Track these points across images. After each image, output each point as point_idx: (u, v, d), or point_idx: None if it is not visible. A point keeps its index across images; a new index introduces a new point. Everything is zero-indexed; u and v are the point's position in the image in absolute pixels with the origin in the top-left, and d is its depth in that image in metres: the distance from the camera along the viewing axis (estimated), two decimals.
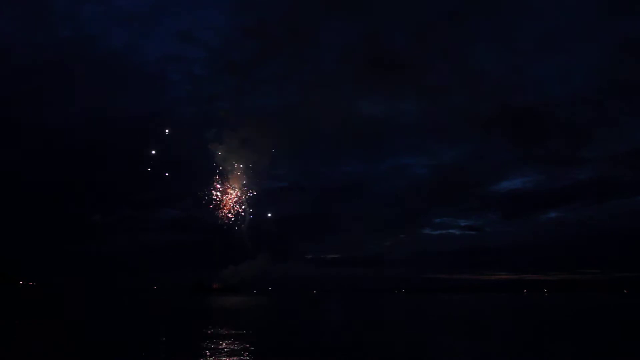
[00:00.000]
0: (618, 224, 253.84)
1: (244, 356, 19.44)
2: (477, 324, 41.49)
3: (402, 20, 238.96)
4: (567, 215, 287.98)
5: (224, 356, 19.26)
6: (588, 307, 76.35)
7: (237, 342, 23.80)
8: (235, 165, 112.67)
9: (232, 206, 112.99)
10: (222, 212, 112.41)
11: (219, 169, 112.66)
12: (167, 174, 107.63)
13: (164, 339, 26.88)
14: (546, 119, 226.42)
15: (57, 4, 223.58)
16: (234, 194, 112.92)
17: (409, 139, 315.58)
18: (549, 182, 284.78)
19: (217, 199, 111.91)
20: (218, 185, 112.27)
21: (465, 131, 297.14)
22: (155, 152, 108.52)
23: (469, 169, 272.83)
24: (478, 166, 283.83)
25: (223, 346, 22.10)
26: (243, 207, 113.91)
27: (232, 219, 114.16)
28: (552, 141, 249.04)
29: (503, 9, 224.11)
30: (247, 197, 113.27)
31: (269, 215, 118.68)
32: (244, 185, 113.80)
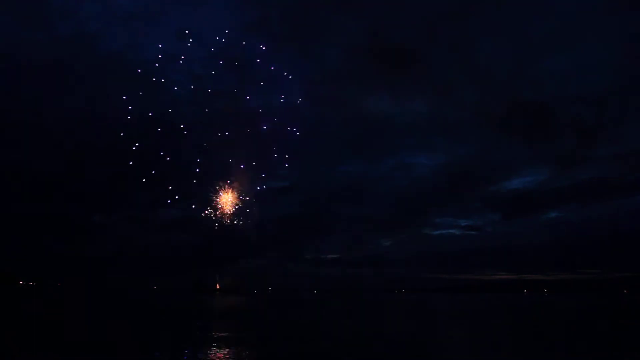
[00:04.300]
0: (618, 224, 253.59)
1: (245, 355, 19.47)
2: (477, 323, 41.50)
3: (408, 16, 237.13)
4: (567, 215, 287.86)
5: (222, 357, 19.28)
6: (588, 307, 76.35)
7: (238, 342, 23.83)
8: (239, 163, 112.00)
9: (235, 206, 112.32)
10: (223, 212, 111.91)
11: (221, 168, 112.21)
12: (167, 174, 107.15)
13: (162, 339, 26.87)
14: (555, 116, 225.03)
15: (56, 1, 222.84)
16: (237, 193, 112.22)
17: (412, 137, 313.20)
18: (550, 182, 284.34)
19: (219, 199, 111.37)
20: (220, 184, 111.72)
21: (471, 129, 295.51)
22: (156, 151, 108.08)
23: (471, 168, 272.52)
24: (481, 165, 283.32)
25: (225, 348, 22.11)
26: (249, 205, 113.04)
27: (235, 218, 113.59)
28: (559, 140, 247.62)
29: (512, 3, 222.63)
30: (251, 196, 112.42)
31: (272, 214, 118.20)
32: (247, 184, 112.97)
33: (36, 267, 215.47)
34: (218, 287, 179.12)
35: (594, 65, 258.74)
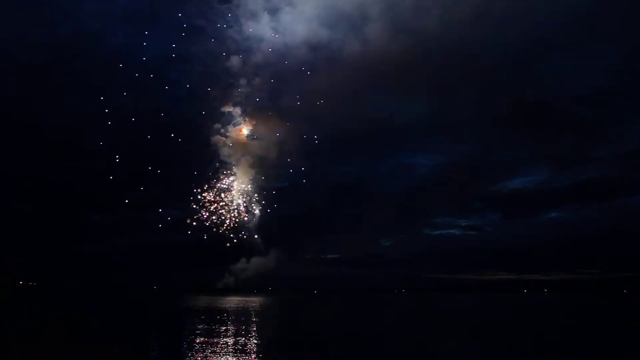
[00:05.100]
0: (618, 224, 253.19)
1: (246, 356, 19.47)
2: (477, 324, 41.50)
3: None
4: (567, 215, 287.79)
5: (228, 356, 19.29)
6: (588, 307, 76.35)
7: (240, 342, 23.83)
8: (239, 163, 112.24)
9: (235, 205, 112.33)
10: (223, 212, 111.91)
11: (222, 168, 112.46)
12: (167, 174, 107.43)
13: (162, 338, 26.87)
14: (555, 116, 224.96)
15: (56, 1, 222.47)
16: (238, 192, 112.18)
17: (412, 137, 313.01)
18: (550, 182, 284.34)
19: (219, 199, 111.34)
20: (220, 184, 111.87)
21: (471, 129, 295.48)
22: (156, 151, 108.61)
23: (471, 168, 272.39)
24: (481, 165, 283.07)
25: (227, 348, 22.11)
26: (249, 205, 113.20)
27: (236, 218, 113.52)
28: (560, 139, 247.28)
29: (513, 2, 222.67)
30: (252, 196, 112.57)
31: (272, 214, 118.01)
32: (249, 182, 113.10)
33: (36, 267, 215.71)
34: (218, 287, 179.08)
35: (594, 65, 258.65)
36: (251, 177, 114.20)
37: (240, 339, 25.04)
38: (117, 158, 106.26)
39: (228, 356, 19.31)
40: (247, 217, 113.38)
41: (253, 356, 19.65)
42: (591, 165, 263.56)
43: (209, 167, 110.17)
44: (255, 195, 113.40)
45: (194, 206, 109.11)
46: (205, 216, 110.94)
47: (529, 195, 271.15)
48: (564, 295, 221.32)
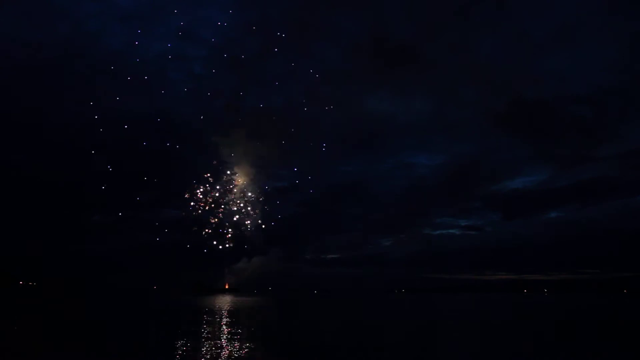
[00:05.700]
0: (618, 224, 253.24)
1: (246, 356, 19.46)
2: (477, 324, 41.49)
3: (409, 15, 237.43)
4: (567, 215, 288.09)
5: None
6: (588, 307, 76.35)
7: (240, 342, 23.82)
8: (239, 163, 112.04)
9: (236, 206, 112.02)
10: (223, 211, 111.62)
11: (221, 168, 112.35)
12: (168, 174, 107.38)
13: (162, 339, 26.85)
14: (555, 116, 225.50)
15: (56, 1, 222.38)
16: (238, 192, 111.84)
17: (413, 137, 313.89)
18: (550, 182, 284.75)
19: (220, 199, 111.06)
20: (220, 185, 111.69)
21: (472, 129, 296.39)
22: (155, 151, 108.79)
23: (471, 168, 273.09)
24: (481, 165, 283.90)
25: (225, 347, 22.10)
26: (249, 205, 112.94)
27: (236, 218, 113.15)
28: (560, 139, 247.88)
29: (513, 2, 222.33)
30: (254, 195, 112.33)
31: (272, 214, 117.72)
32: (250, 182, 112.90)
33: (36, 267, 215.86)
34: (218, 287, 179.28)
35: (594, 65, 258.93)
36: (251, 177, 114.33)
37: (240, 340, 25.03)
38: (116, 159, 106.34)
39: (226, 358, 19.29)
40: (247, 217, 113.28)
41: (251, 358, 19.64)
42: (591, 165, 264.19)
43: (209, 167, 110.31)
44: (255, 195, 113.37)
45: (194, 206, 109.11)
46: (205, 216, 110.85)
47: (530, 195, 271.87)
48: (564, 295, 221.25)
